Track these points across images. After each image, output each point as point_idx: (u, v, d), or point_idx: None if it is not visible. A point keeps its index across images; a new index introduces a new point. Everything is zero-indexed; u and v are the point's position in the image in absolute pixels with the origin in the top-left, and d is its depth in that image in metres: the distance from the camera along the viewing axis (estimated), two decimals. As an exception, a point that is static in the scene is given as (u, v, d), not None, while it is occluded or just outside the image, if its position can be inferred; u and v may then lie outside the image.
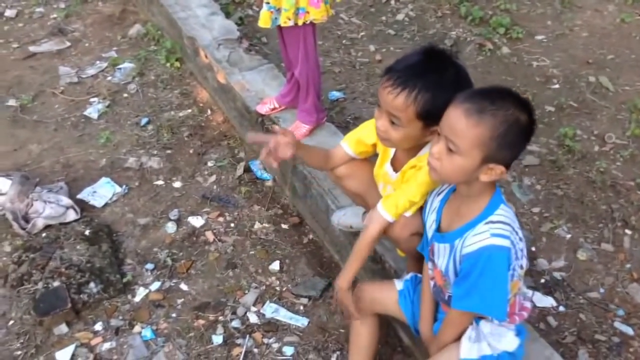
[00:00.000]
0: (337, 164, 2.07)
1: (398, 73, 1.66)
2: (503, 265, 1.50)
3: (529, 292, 1.85)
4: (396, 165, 1.92)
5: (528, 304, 1.74)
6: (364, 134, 1.99)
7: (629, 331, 2.30)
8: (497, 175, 1.49)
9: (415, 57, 1.69)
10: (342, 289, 1.90)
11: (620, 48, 3.93)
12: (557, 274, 2.51)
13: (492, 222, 1.53)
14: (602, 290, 2.46)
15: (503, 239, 1.50)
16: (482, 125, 1.43)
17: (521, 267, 1.59)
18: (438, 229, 1.69)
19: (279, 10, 2.49)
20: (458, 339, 1.70)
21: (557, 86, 3.60)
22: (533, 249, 2.61)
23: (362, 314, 1.99)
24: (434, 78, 1.63)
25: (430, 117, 1.64)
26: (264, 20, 2.54)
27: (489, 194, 1.56)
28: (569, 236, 2.68)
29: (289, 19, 2.47)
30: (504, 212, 1.55)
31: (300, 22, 2.49)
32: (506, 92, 1.51)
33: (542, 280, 2.49)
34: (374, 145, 1.99)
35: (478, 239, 1.52)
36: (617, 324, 2.33)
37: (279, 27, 2.60)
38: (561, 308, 2.38)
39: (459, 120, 1.45)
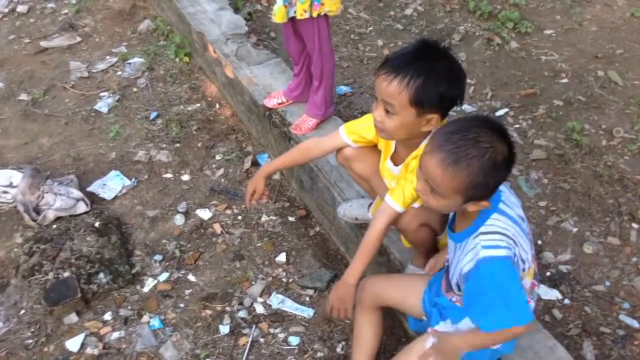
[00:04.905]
0: (332, 150, 2.11)
1: (392, 62, 1.72)
2: (508, 272, 1.49)
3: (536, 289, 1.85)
4: (396, 160, 1.94)
5: (533, 303, 1.72)
6: (363, 129, 2.00)
7: (634, 324, 2.30)
8: (484, 206, 1.49)
9: (410, 47, 1.74)
10: (348, 284, 1.83)
11: (629, 42, 3.90)
12: (562, 267, 2.52)
13: (482, 233, 1.51)
14: (607, 284, 2.46)
15: (497, 250, 1.48)
16: (458, 177, 1.42)
17: (523, 270, 1.57)
18: (453, 222, 1.69)
19: (291, 3, 2.49)
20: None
21: (565, 80, 3.59)
22: (539, 242, 2.62)
23: (367, 307, 1.98)
24: (427, 64, 1.67)
25: (423, 103, 1.67)
26: (280, 16, 2.53)
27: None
28: (575, 230, 2.68)
29: (305, 11, 2.47)
30: (495, 222, 1.52)
31: (315, 14, 2.49)
32: (482, 126, 1.46)
33: (548, 273, 2.49)
34: (374, 140, 2.01)
35: (470, 256, 1.52)
36: (622, 317, 2.33)
37: (291, 21, 2.60)
38: (566, 301, 2.39)
39: (435, 171, 1.44)
